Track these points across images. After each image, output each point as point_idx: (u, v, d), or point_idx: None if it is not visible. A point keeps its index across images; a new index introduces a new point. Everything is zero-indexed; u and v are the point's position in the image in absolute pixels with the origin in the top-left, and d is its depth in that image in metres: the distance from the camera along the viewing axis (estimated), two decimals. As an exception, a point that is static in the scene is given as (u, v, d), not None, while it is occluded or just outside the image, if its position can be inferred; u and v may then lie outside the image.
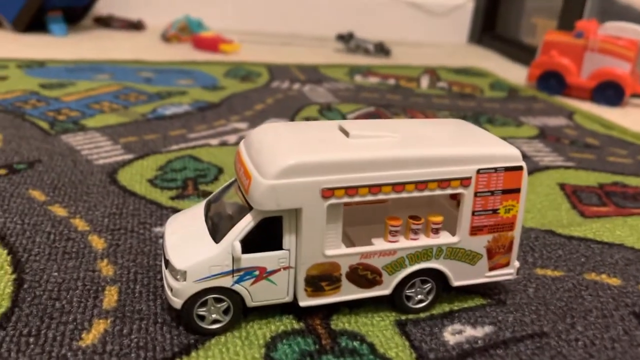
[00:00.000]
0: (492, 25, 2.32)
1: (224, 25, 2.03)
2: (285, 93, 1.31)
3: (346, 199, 0.49)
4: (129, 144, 0.91)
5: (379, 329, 0.52)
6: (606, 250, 0.68)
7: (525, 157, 1.00)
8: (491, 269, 0.56)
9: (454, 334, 0.52)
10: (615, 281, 0.62)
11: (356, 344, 0.50)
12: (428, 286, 0.55)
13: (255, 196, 0.47)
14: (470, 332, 0.53)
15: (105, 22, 1.99)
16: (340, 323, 0.53)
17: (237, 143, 0.95)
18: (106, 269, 0.58)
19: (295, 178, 0.47)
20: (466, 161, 0.51)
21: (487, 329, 0.53)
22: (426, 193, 0.51)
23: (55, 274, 0.56)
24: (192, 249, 0.49)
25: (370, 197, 0.49)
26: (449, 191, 0.51)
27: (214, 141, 0.96)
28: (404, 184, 0.50)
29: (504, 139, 0.59)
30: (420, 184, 0.50)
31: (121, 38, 1.83)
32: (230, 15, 2.11)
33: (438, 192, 0.51)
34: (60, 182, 0.76)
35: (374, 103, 1.29)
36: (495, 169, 0.52)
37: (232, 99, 1.22)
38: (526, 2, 2.18)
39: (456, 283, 0.55)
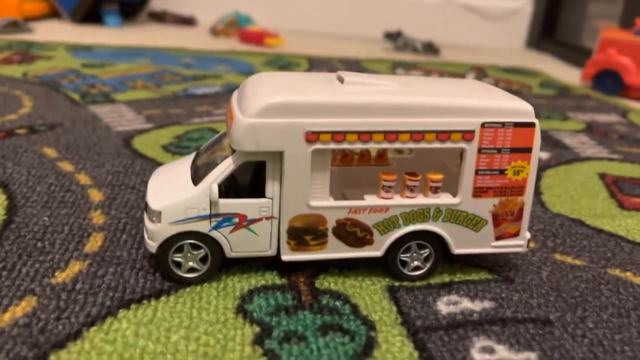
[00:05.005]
0: (551, 30, 2.22)
1: (275, 23, 2.04)
2: (321, 81, 1.29)
3: (333, 145, 0.45)
4: (151, 116, 0.91)
5: (367, 292, 0.48)
6: (637, 251, 0.60)
7: (565, 148, 0.93)
8: (498, 238, 0.51)
9: (448, 305, 0.48)
10: (641, 278, 0.55)
11: (338, 303, 0.46)
12: (425, 252, 0.50)
13: (235, 135, 0.44)
14: (466, 304, 0.48)
15: (159, 17, 2.04)
16: (326, 283, 0.49)
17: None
18: (97, 218, 0.57)
19: (277, 118, 0.44)
20: (469, 113, 0.47)
21: (487, 304, 0.48)
22: (423, 145, 0.46)
23: (46, 218, 0.56)
24: (170, 191, 0.47)
25: (360, 145, 0.46)
26: (449, 145, 0.47)
27: (238, 118, 0.95)
28: (397, 132, 0.46)
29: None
30: (416, 134, 0.46)
31: (171, 32, 1.87)
32: (280, 14, 2.12)
33: (436, 144, 0.47)
34: (75, 143, 0.76)
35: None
36: (503, 124, 0.47)
37: (266, 84, 1.21)
38: (589, 7, 2.07)
39: (457, 250, 0.50)
